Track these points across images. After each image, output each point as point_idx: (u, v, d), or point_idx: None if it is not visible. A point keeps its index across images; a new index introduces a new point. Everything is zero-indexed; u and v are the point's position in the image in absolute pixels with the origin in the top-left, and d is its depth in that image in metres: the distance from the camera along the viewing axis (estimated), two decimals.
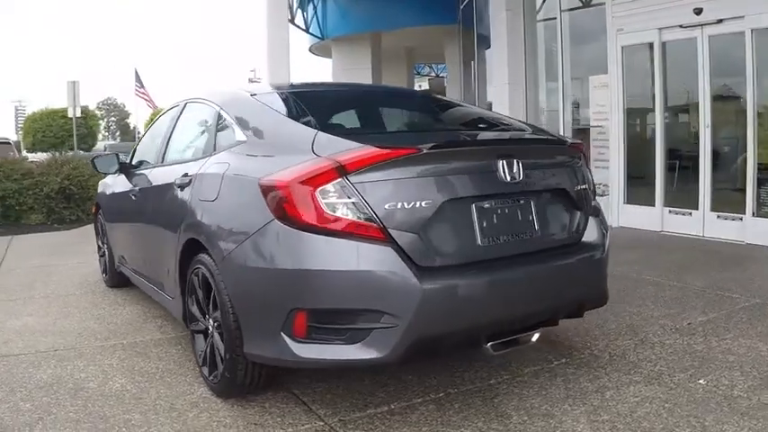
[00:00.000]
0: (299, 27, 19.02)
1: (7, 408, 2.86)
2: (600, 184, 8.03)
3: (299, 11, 18.02)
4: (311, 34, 19.16)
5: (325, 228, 2.32)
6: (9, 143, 15.37)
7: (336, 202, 2.32)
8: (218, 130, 3.18)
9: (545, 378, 3.03)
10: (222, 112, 3.18)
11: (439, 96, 4.01)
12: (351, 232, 2.32)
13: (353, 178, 2.32)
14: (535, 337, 2.72)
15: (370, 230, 2.33)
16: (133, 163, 4.43)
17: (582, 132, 8.56)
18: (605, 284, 3.02)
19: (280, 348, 2.41)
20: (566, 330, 3.70)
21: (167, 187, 3.37)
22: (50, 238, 8.38)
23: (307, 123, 2.70)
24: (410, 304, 2.30)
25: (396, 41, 17.97)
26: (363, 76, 16.99)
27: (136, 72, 34.45)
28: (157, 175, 3.72)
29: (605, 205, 7.74)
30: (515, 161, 2.60)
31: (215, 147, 3.14)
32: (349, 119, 3.19)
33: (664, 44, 6.80)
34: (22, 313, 4.45)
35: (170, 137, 3.88)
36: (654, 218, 7.02)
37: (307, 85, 3.60)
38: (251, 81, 45.00)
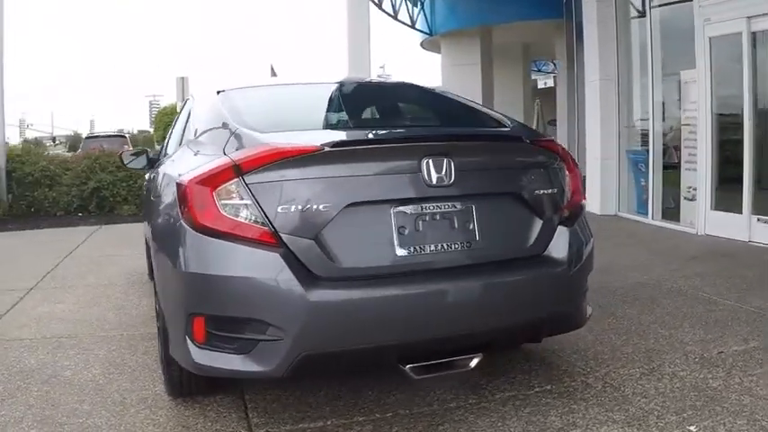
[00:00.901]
0: (403, 23, 19.03)
1: None
2: (690, 187, 7.26)
3: (407, 4, 18.01)
4: (418, 30, 19.11)
5: (218, 230, 2.21)
6: (124, 137, 16.70)
7: (231, 204, 2.20)
8: (186, 128, 3.15)
9: (512, 407, 2.69)
10: (192, 109, 3.15)
11: (431, 89, 3.66)
12: (242, 236, 2.19)
13: (249, 178, 2.19)
14: (473, 362, 2.41)
15: (261, 235, 2.18)
16: (158, 157, 4.55)
17: (673, 132, 7.80)
18: (577, 306, 2.63)
19: (185, 352, 2.33)
20: (571, 351, 3.31)
21: (150, 183, 3.41)
22: (134, 229, 8.89)
23: (237, 121, 2.58)
24: (295, 317, 2.12)
25: (508, 37, 17.42)
26: (472, 73, 16.71)
27: (272, 68, 35.90)
28: (155, 171, 3.78)
29: (693, 211, 6.98)
30: (446, 161, 2.31)
31: (180, 143, 3.12)
32: (296, 116, 2.96)
33: (753, 34, 5.94)
34: (56, 300, 4.72)
35: (171, 133, 3.93)
36: (741, 226, 6.18)
37: (289, 80, 3.47)
38: (379, 78, 46.42)
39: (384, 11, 17.66)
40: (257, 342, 2.17)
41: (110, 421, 2.65)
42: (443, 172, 2.30)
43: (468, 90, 16.68)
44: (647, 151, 7.95)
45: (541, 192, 2.52)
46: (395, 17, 18.56)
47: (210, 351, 2.25)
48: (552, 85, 24.39)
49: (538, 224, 2.51)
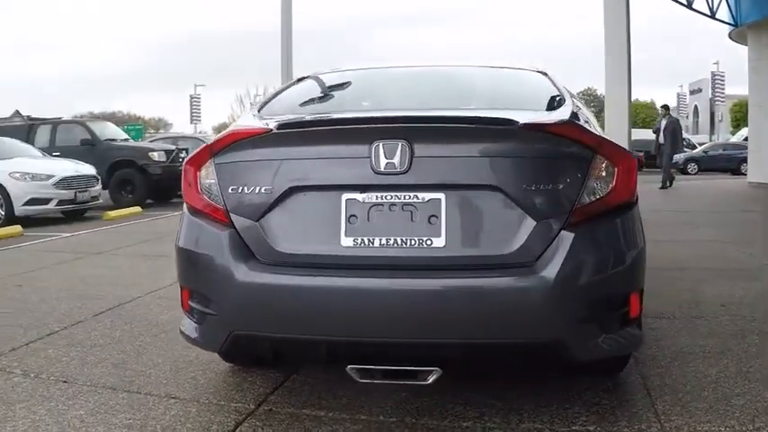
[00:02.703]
0: (699, 12, 17.18)
1: (106, 329, 3.71)
2: None
3: None
4: (719, 20, 17.14)
5: (193, 207, 2.37)
6: None
7: (206, 183, 2.32)
8: None
9: None
10: None
11: (511, 73, 3.17)
12: (206, 213, 2.31)
13: (217, 159, 2.29)
14: (431, 377, 2.13)
15: (217, 213, 2.27)
16: None
17: None
18: (574, 335, 2.11)
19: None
20: (670, 390, 2.70)
21: None
22: None
23: (261, 105, 2.71)
24: (227, 295, 2.18)
25: None
26: None
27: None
28: None
29: None
30: (401, 145, 2.06)
31: None
32: (325, 102, 2.93)
33: None
34: None
35: None
36: None
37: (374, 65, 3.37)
38: (714, 75, 42.44)
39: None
40: (205, 315, 2.29)
41: (163, 375, 2.99)
42: (396, 158, 2.07)
43: None
44: None
45: (537, 187, 2.08)
46: (689, 6, 16.82)
47: (188, 320, 2.44)
48: None
49: (528, 226, 2.07)
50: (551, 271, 2.04)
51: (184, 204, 2.47)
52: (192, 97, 44.09)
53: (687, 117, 61.18)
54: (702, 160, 25.91)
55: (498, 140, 2.17)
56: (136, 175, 12.58)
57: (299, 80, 3.18)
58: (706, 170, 25.07)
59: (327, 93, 3.01)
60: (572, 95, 2.67)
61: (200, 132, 27.85)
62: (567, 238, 2.08)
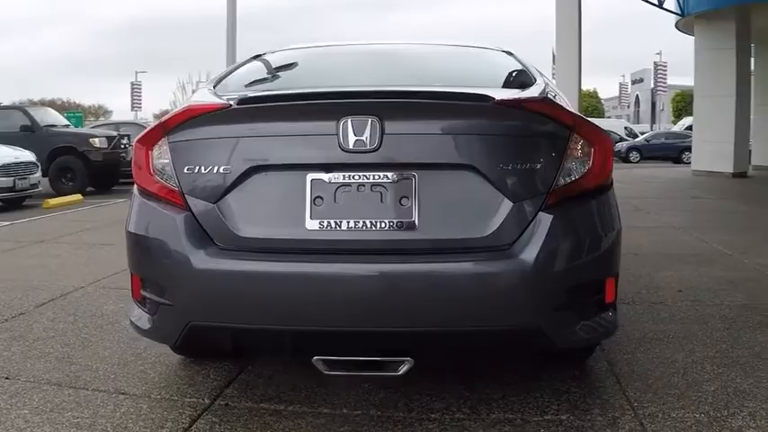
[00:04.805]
0: (648, 2, 17.43)
1: (49, 321, 3.49)
2: None
3: None
4: (666, 10, 17.43)
5: (145, 189, 2.18)
6: None
7: (159, 163, 2.14)
8: None
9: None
10: None
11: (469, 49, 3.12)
12: (158, 195, 2.13)
13: (171, 137, 2.11)
14: (403, 368, 2.01)
15: (171, 196, 2.09)
16: None
17: None
18: (550, 321, 2.02)
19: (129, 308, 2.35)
20: (642, 376, 2.65)
21: None
22: None
23: (216, 82, 2.52)
24: (182, 284, 2.01)
25: None
26: (726, 59, 14.92)
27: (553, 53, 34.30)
28: None
29: None
30: (370, 122, 1.93)
31: None
32: (281, 79, 2.77)
33: None
34: None
35: None
36: None
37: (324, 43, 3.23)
38: (656, 65, 43.18)
39: None
40: (159, 305, 2.12)
41: (110, 369, 2.78)
42: (365, 135, 1.93)
43: (720, 78, 14.83)
44: None
45: (514, 167, 1.97)
46: None
47: (140, 310, 2.26)
48: None
49: (505, 208, 1.97)
50: (529, 255, 1.94)
51: (135, 186, 2.27)
52: (133, 84, 42.96)
53: (629, 107, 62.90)
54: (644, 149, 26.56)
55: (473, 117, 2.05)
56: (76, 162, 11.99)
57: (255, 57, 2.98)
58: (648, 158, 25.70)
59: (287, 69, 2.83)
60: (542, 74, 2.59)
61: (141, 119, 27.29)
62: (545, 220, 1.98)
